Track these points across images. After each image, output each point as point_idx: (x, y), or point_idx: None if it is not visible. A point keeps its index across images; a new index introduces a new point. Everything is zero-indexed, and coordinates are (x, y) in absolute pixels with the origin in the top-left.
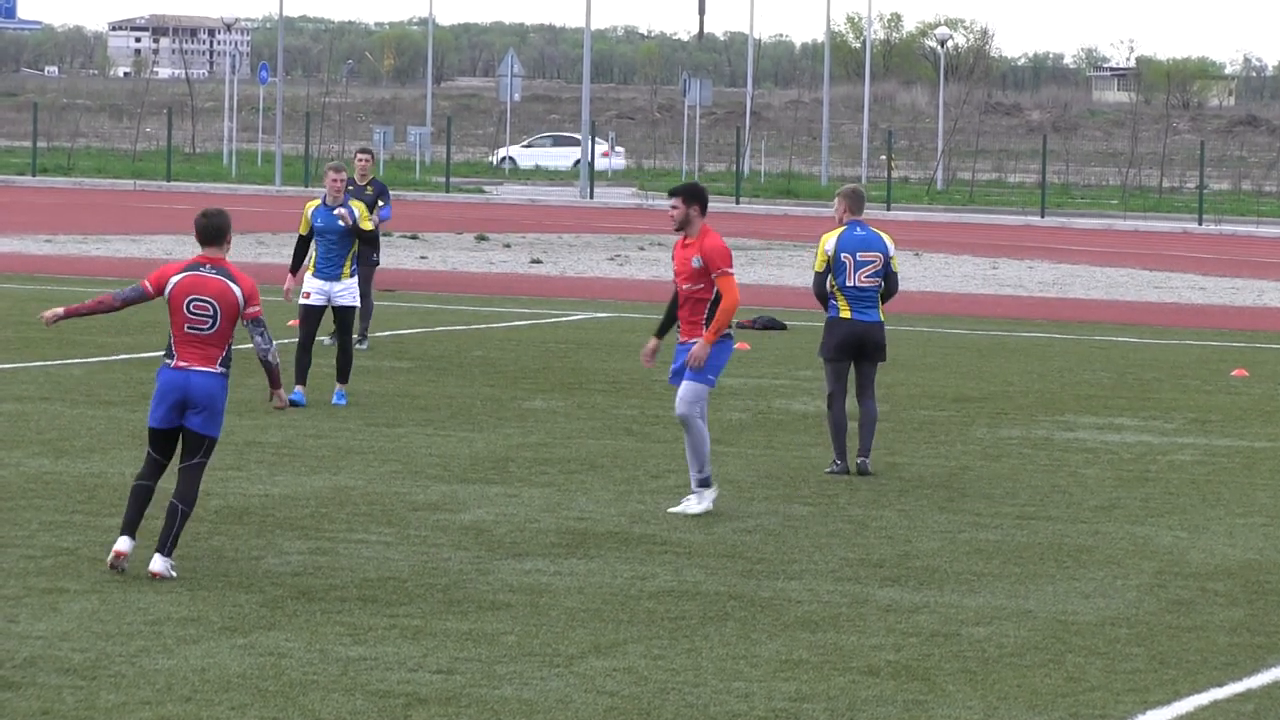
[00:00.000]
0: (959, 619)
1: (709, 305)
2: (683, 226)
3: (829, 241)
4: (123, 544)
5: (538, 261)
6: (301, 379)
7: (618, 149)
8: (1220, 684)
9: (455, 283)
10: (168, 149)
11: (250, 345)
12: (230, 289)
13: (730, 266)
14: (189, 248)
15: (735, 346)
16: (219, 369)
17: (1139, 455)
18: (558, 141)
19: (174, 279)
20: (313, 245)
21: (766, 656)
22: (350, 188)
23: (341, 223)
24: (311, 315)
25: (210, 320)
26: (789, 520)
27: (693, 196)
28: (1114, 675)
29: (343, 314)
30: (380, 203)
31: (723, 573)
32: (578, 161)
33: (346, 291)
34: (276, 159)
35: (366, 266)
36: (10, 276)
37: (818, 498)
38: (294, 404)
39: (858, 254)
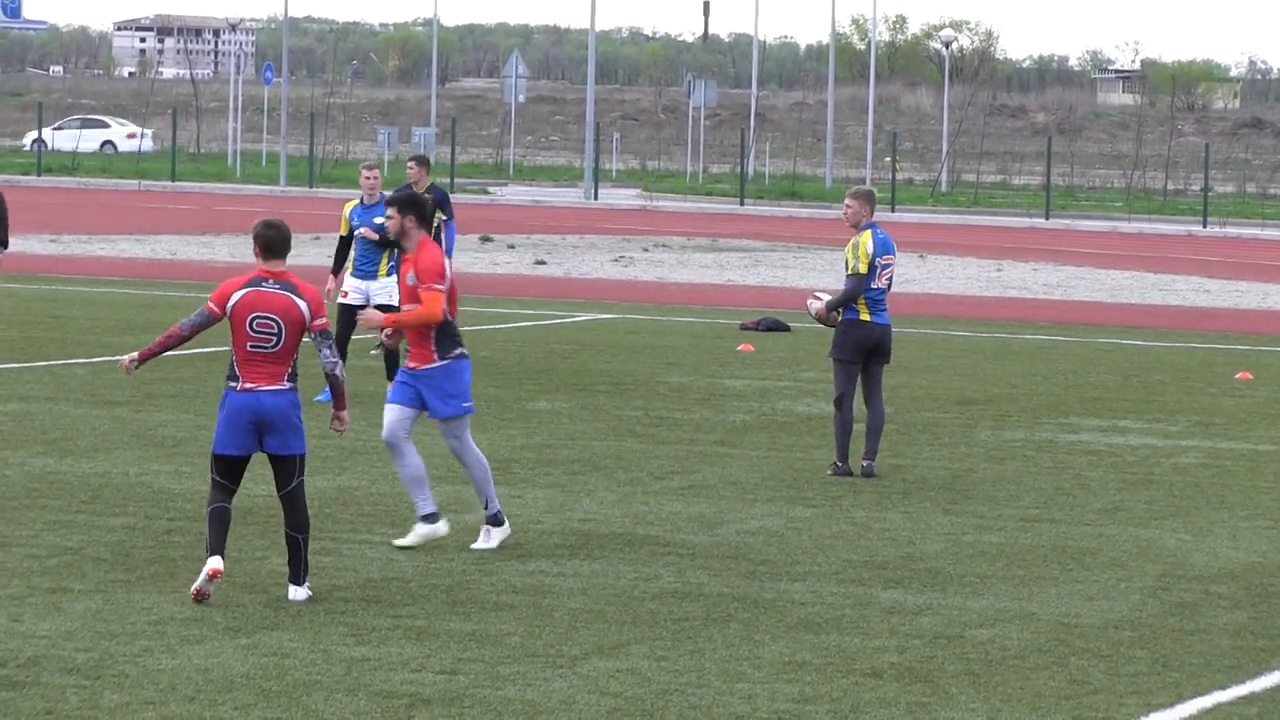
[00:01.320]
0: (962, 621)
1: (437, 327)
2: (399, 239)
3: (868, 244)
4: (217, 562)
5: (542, 263)
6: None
7: (146, 132)
8: (1224, 687)
9: (459, 283)
10: (173, 149)
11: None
12: (295, 304)
13: (439, 283)
14: (193, 247)
15: (739, 349)
16: (287, 385)
17: (1143, 458)
18: (86, 124)
19: (235, 296)
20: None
21: (770, 658)
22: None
23: (374, 231)
24: (346, 314)
25: (275, 338)
26: (792, 522)
27: (408, 206)
28: (1117, 678)
29: (383, 312)
30: (440, 214)
31: (726, 574)
32: (105, 143)
33: (384, 290)
34: (281, 159)
35: None
36: (15, 276)
37: (821, 500)
38: (321, 402)
39: (883, 258)
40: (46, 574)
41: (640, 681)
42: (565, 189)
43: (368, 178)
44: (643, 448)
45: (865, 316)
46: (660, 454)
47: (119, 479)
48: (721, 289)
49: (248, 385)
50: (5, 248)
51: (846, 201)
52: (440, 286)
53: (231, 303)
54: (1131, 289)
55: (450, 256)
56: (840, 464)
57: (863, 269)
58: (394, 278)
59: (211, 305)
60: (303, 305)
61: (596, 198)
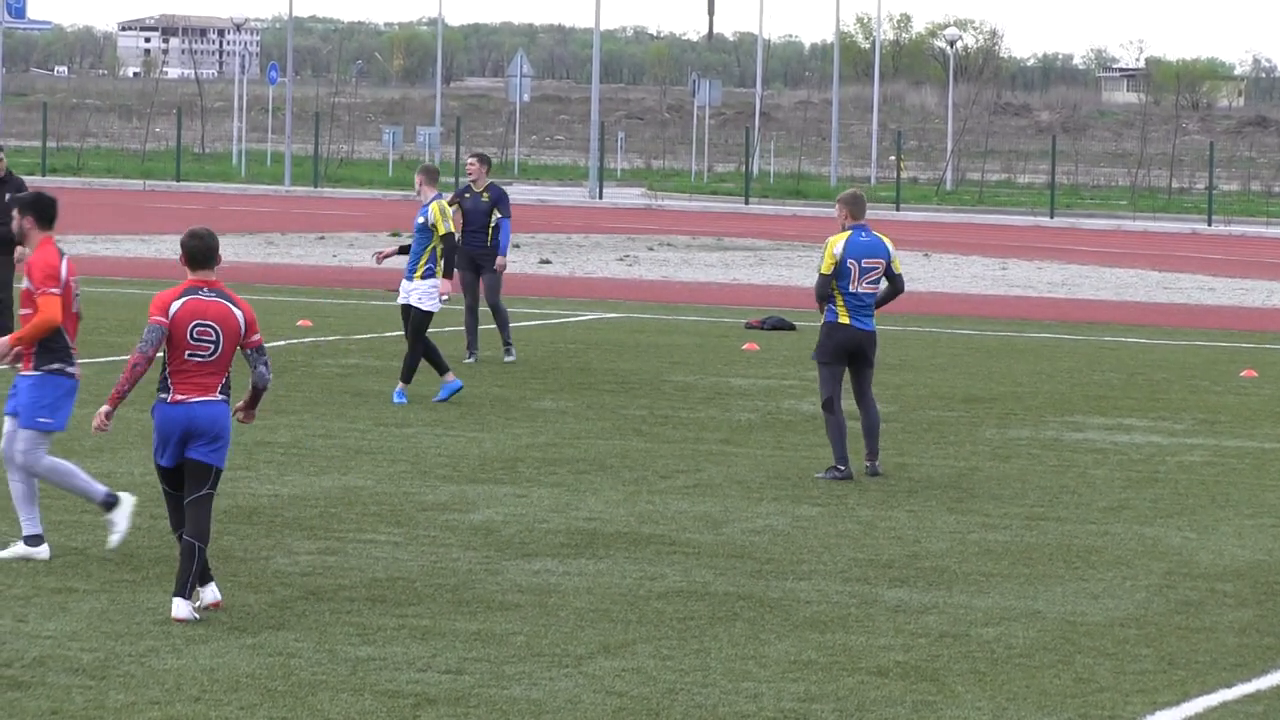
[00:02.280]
0: (968, 620)
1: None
2: (21, 240)
3: (837, 245)
4: (212, 593)
5: (547, 262)
6: (442, 369)
7: None
8: (1229, 685)
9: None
10: (177, 149)
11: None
12: (232, 312)
13: (53, 287)
14: None
15: (745, 348)
16: (220, 396)
17: (1148, 456)
18: None
19: (175, 304)
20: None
21: (775, 657)
22: (467, 195)
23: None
24: (403, 313)
25: (213, 345)
26: (798, 521)
27: (28, 207)
28: (1123, 676)
29: (414, 314)
30: (496, 212)
31: (731, 573)
32: None
33: (415, 291)
34: (286, 159)
35: (492, 274)
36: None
37: (826, 498)
38: (455, 392)
39: (863, 260)
40: (52, 574)
41: (646, 680)
42: (570, 188)
43: (417, 181)
44: (648, 447)
45: (845, 320)
46: (665, 453)
47: (124, 479)
48: (726, 288)
49: (179, 397)
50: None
51: (835, 206)
52: (55, 290)
53: (172, 311)
54: (1136, 287)
55: (504, 254)
56: (842, 467)
57: (825, 269)
58: (429, 281)
59: (157, 318)
60: (239, 315)
61: (601, 197)
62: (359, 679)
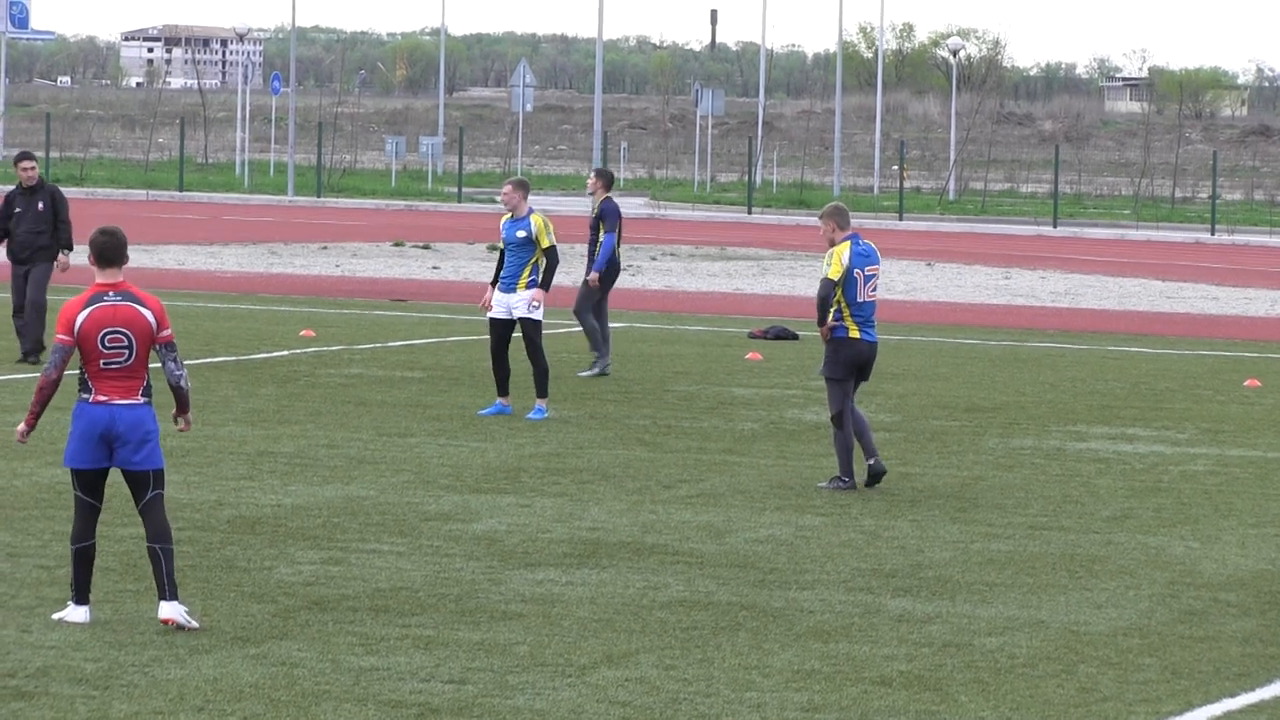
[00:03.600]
0: (971, 629)
1: None
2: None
3: (844, 253)
4: (80, 615)
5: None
6: (502, 390)
7: None
8: (1233, 695)
9: (468, 293)
10: (180, 159)
11: (261, 356)
12: (140, 314)
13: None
14: (200, 257)
15: (748, 357)
16: (141, 399)
17: (1151, 465)
18: None
19: (80, 317)
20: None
21: (779, 666)
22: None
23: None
24: (494, 327)
25: (126, 351)
26: (801, 530)
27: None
28: (1126, 686)
29: (525, 327)
30: (603, 228)
31: (735, 583)
32: None
33: (523, 302)
34: (289, 169)
35: (583, 285)
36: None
37: (830, 508)
38: (499, 414)
39: (866, 269)
40: (56, 584)
41: (649, 690)
42: (573, 198)
43: (503, 192)
44: (651, 456)
45: (855, 334)
46: (668, 462)
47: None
48: (729, 297)
49: (100, 397)
50: (70, 250)
51: (819, 224)
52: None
53: (78, 325)
54: (1139, 296)
55: (599, 269)
56: (846, 479)
57: (833, 274)
58: (533, 290)
59: (61, 336)
60: (148, 314)
61: None
62: (362, 689)
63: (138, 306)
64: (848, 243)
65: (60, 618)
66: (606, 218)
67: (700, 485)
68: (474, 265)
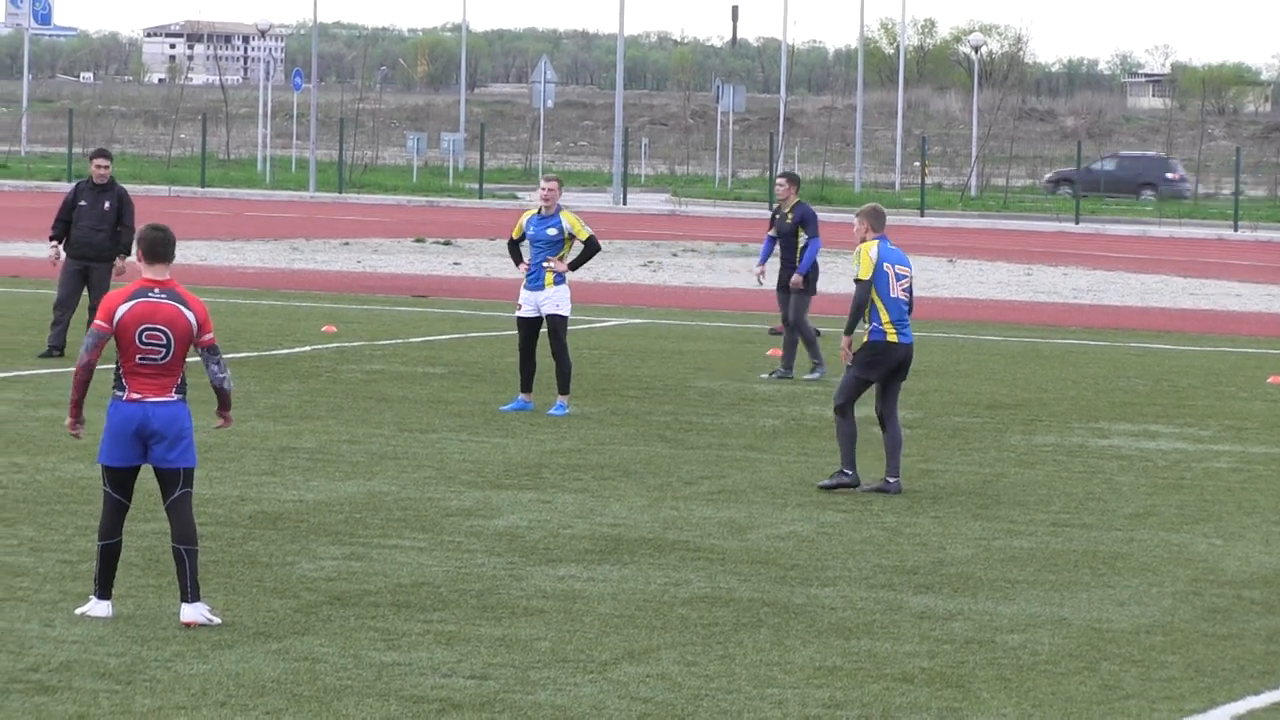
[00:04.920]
0: (993, 626)
1: None
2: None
3: (872, 249)
4: (102, 609)
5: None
6: (525, 386)
7: None
8: (1256, 692)
9: (488, 289)
10: (202, 155)
11: (283, 352)
12: (183, 314)
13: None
14: (223, 253)
15: (769, 354)
16: (175, 396)
17: (1174, 462)
18: None
19: (122, 308)
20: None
21: (800, 663)
22: (778, 215)
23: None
24: (523, 326)
25: (164, 349)
26: (822, 527)
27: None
28: (1149, 683)
29: (552, 323)
30: (803, 233)
31: (756, 579)
32: None
33: (549, 300)
34: (310, 165)
35: (799, 294)
36: (47, 282)
37: (851, 504)
38: (520, 410)
39: (896, 266)
40: (79, 579)
41: (671, 687)
42: (594, 194)
43: (546, 189)
44: (672, 453)
45: (893, 337)
46: (690, 459)
47: (150, 484)
48: (751, 294)
49: (134, 395)
50: (128, 255)
51: (855, 220)
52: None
53: (118, 316)
54: (1162, 293)
55: (802, 273)
56: (849, 472)
57: (863, 274)
58: (561, 287)
59: (99, 322)
60: (190, 315)
61: (625, 203)
62: (384, 684)
63: (181, 306)
64: (875, 241)
65: (83, 612)
66: (808, 222)
67: (722, 481)
68: (495, 261)
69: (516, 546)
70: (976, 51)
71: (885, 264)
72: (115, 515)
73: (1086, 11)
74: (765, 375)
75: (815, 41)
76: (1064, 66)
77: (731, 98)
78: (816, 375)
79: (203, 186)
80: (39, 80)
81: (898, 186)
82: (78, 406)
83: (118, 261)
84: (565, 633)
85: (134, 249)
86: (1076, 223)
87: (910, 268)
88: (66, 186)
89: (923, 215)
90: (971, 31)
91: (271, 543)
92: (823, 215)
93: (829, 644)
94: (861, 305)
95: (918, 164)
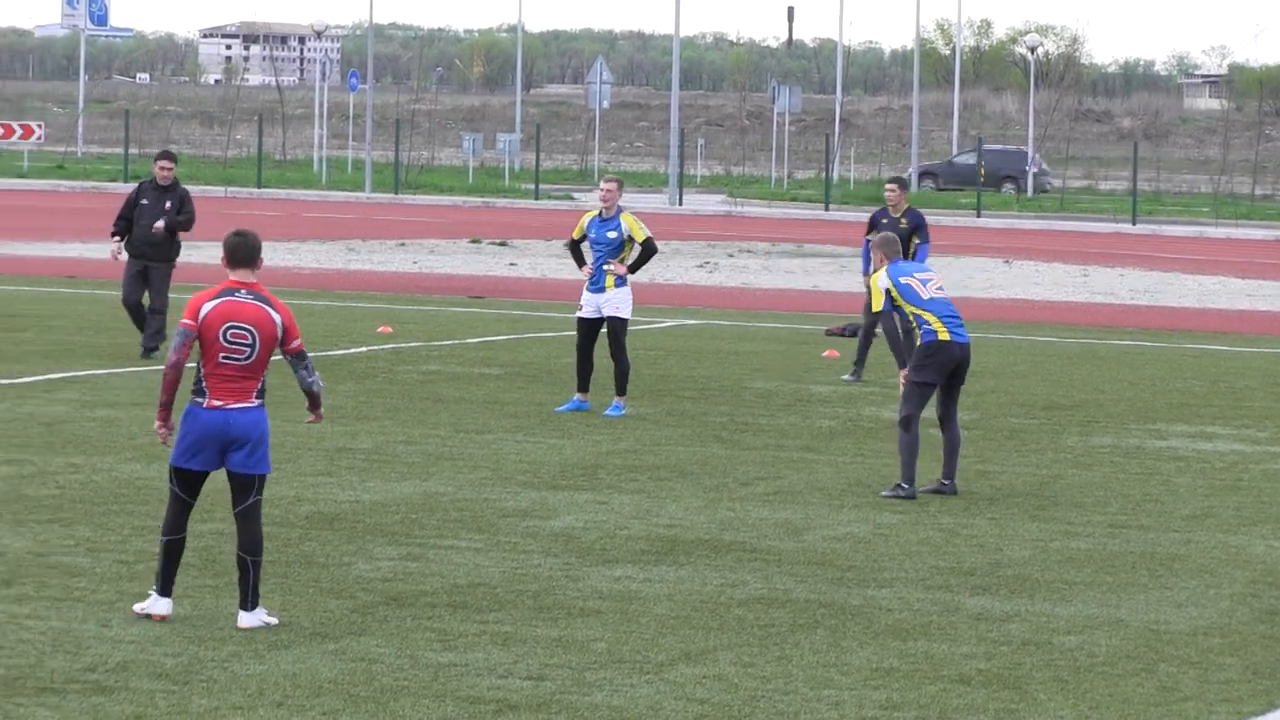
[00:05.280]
0: (1050, 628)
1: None
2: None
3: (880, 278)
4: (163, 607)
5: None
6: (582, 386)
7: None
8: None
9: (544, 289)
10: (258, 156)
11: (339, 353)
12: (269, 315)
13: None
14: (279, 254)
15: (825, 355)
16: (256, 401)
17: (1231, 464)
18: None
19: (207, 306)
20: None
21: (857, 664)
22: (884, 220)
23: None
24: (582, 326)
25: (248, 349)
26: (879, 528)
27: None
28: (1207, 685)
29: (612, 324)
30: (915, 239)
31: (813, 580)
32: None
33: (610, 302)
34: (366, 166)
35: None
36: (104, 283)
37: (908, 506)
38: (579, 410)
39: (915, 273)
40: (135, 579)
41: (727, 688)
42: (650, 195)
43: (605, 189)
44: (728, 453)
45: (945, 336)
46: (746, 460)
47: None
48: (807, 294)
49: (215, 402)
50: (175, 231)
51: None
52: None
53: (204, 313)
54: (1219, 294)
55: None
56: (906, 486)
57: (876, 306)
58: (623, 290)
59: (186, 321)
60: (276, 318)
61: (681, 203)
62: (440, 685)
63: (267, 308)
64: (881, 268)
65: (142, 609)
66: (921, 227)
67: (778, 483)
68: (551, 262)
69: (573, 547)
70: (1033, 52)
71: (901, 278)
72: (180, 512)
73: (1143, 12)
74: (846, 377)
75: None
76: (1120, 67)
77: (787, 98)
78: (852, 379)
79: (259, 187)
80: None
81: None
82: (166, 409)
83: (155, 226)
84: (621, 634)
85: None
86: (1133, 224)
87: (928, 269)
88: (123, 187)
89: (979, 216)
90: (1028, 32)
91: (328, 543)
92: None
93: (886, 645)
94: (892, 336)
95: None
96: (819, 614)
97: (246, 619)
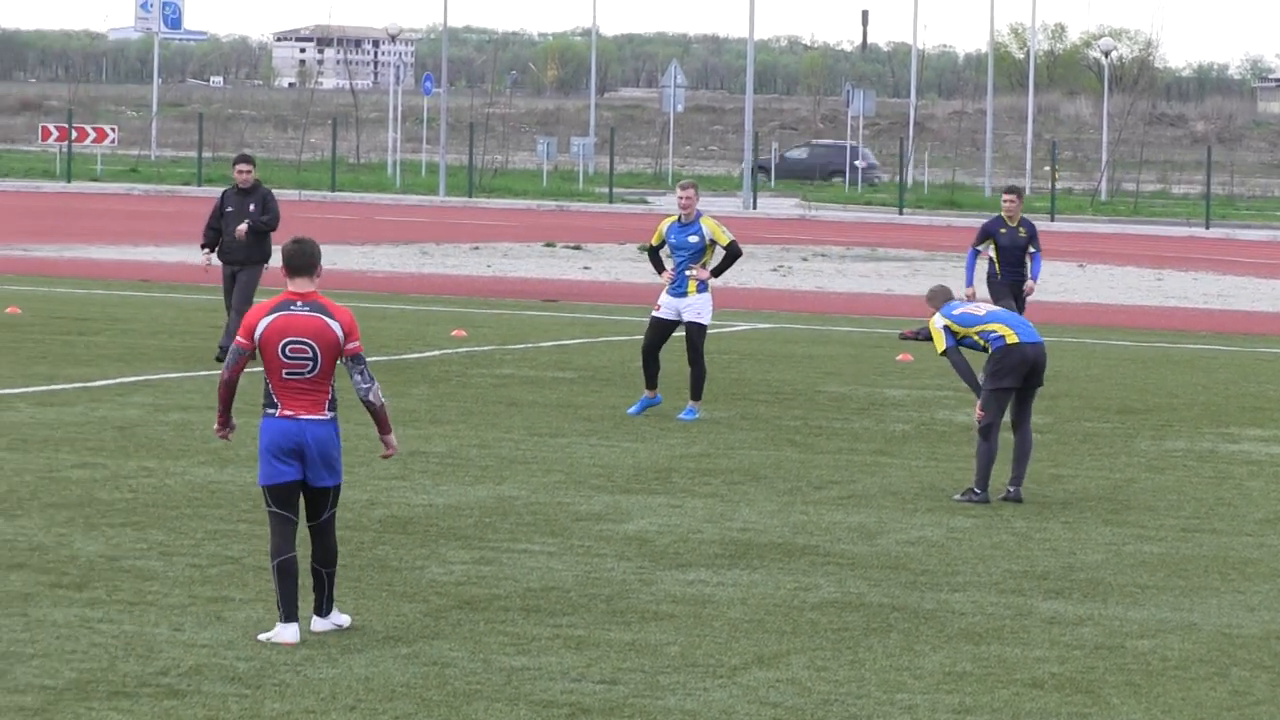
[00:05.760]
0: (1123, 631)
1: None
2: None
3: (935, 321)
4: (290, 634)
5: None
6: (650, 384)
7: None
8: None
9: (619, 293)
10: (332, 159)
11: (413, 356)
12: (327, 325)
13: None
14: (352, 257)
15: (899, 359)
16: (329, 414)
17: None
18: None
19: (263, 323)
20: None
21: (930, 668)
22: (1003, 230)
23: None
24: (656, 325)
25: (310, 363)
26: (952, 532)
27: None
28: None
29: (691, 330)
30: (1031, 248)
31: (886, 584)
32: None
33: (691, 307)
34: (440, 169)
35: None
36: (175, 286)
37: (981, 510)
38: (650, 406)
39: (968, 306)
40: (208, 583)
41: (800, 691)
42: (724, 198)
43: (683, 196)
44: (802, 457)
45: (1014, 339)
46: (819, 463)
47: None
48: (880, 298)
49: (287, 411)
50: (261, 230)
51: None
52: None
53: (259, 331)
54: None
55: (1034, 279)
56: (979, 491)
57: (940, 346)
58: (704, 295)
59: (240, 340)
60: (335, 326)
61: (755, 207)
62: (513, 689)
63: (325, 318)
64: (937, 314)
65: (269, 638)
66: (1035, 237)
67: (851, 486)
68: (625, 265)
69: (646, 551)
70: (1107, 56)
71: (955, 310)
72: (285, 532)
73: (1217, 16)
74: None
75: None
76: (1194, 71)
77: (861, 102)
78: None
79: (333, 191)
80: (169, 85)
81: (1028, 191)
82: (224, 416)
83: (241, 227)
84: (695, 637)
85: (263, 228)
86: (1207, 228)
87: (974, 304)
88: (196, 190)
89: (1053, 220)
90: (1102, 36)
91: (401, 547)
92: (952, 220)
93: (959, 649)
94: (960, 368)
95: (1048, 169)
96: (892, 618)
97: (319, 623)
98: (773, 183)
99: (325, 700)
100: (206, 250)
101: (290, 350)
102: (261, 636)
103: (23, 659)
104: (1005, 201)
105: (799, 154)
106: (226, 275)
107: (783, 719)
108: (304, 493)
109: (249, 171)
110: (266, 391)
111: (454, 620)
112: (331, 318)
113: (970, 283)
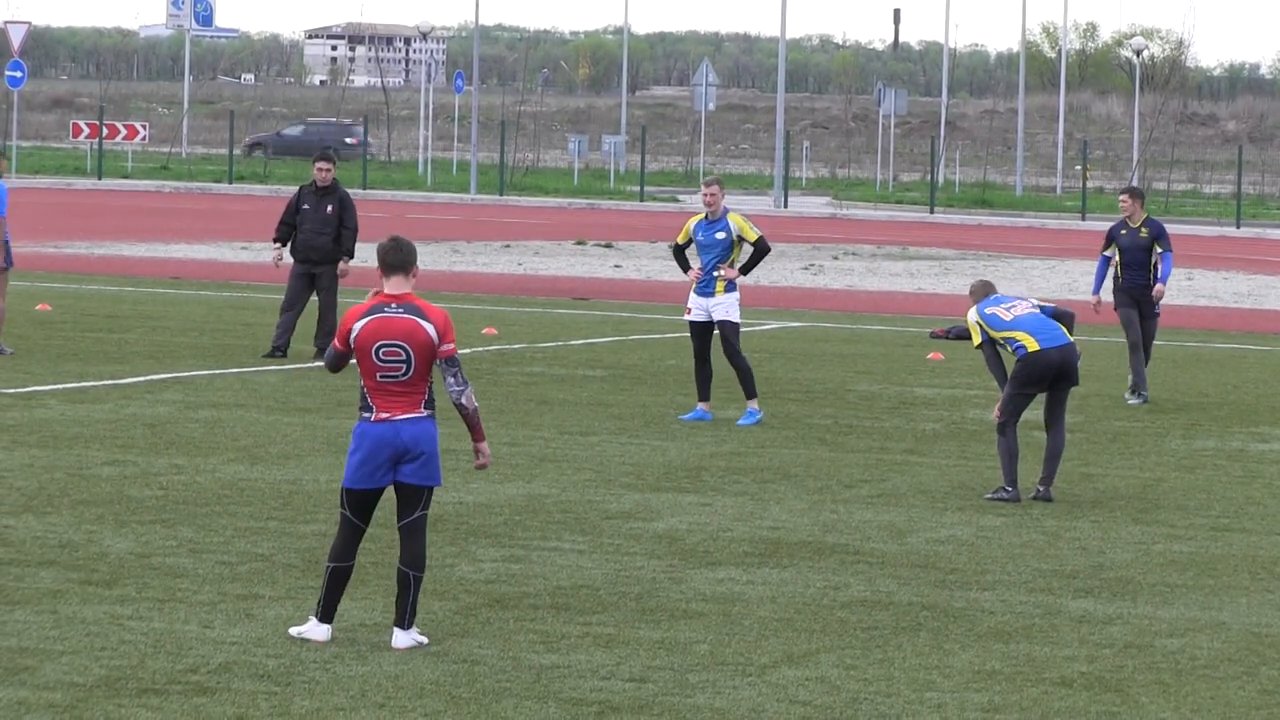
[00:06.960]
0: (1152, 631)
1: None
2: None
3: (971, 314)
4: (321, 633)
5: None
6: (703, 394)
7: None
8: None
9: (650, 291)
10: (363, 157)
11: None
12: (421, 327)
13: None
14: None
15: (930, 357)
16: (425, 412)
17: None
18: None
19: (357, 326)
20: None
21: (959, 667)
22: (1124, 231)
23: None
24: (694, 330)
25: (404, 365)
26: (982, 531)
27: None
28: None
29: (724, 330)
30: (1158, 248)
31: (915, 583)
32: None
33: (720, 306)
34: (472, 167)
35: (1152, 317)
36: (206, 284)
37: (1011, 508)
38: (699, 421)
39: (1001, 305)
40: (238, 580)
41: (829, 690)
42: (755, 197)
43: (708, 194)
44: (832, 456)
45: (1034, 347)
46: (849, 462)
47: (310, 486)
48: (911, 297)
49: (383, 415)
50: (351, 257)
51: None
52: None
53: (354, 335)
54: None
55: (1163, 282)
56: (1010, 489)
57: (975, 341)
58: (732, 294)
59: (335, 344)
60: (429, 328)
61: (786, 205)
62: (543, 686)
63: (419, 319)
64: (972, 307)
65: (299, 633)
66: (1162, 237)
67: (881, 485)
68: (656, 264)
69: (676, 549)
70: (1138, 55)
71: (986, 309)
72: (351, 539)
73: (1248, 15)
74: (1129, 398)
75: (977, 45)
76: (1225, 70)
77: (893, 101)
78: (1140, 400)
79: (364, 188)
80: (200, 82)
81: (1059, 190)
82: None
83: (341, 264)
84: (724, 636)
85: (354, 254)
86: (1238, 227)
87: (1021, 298)
88: (227, 188)
89: (1084, 219)
90: (1133, 35)
91: (431, 545)
92: (983, 219)
93: (988, 648)
94: (991, 364)
95: (1079, 168)
96: (921, 616)
97: (402, 639)
98: (267, 159)
99: (355, 698)
100: (278, 245)
101: (384, 354)
102: (293, 630)
103: (52, 656)
104: (1121, 202)
105: (295, 131)
106: (297, 273)
107: (812, 717)
108: (398, 492)
109: (329, 170)
110: (363, 395)
111: (483, 618)
112: (425, 319)
113: (1096, 290)
